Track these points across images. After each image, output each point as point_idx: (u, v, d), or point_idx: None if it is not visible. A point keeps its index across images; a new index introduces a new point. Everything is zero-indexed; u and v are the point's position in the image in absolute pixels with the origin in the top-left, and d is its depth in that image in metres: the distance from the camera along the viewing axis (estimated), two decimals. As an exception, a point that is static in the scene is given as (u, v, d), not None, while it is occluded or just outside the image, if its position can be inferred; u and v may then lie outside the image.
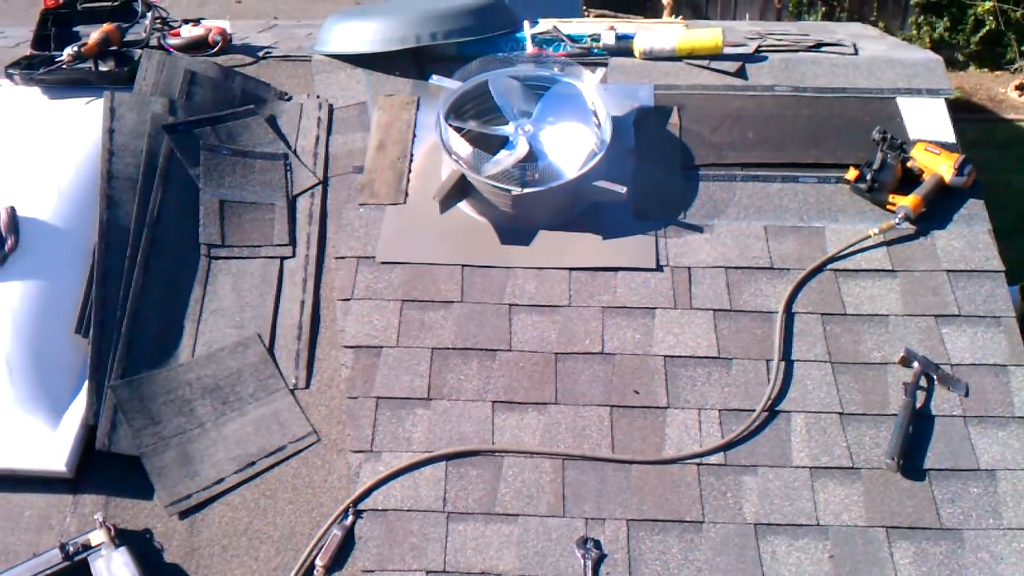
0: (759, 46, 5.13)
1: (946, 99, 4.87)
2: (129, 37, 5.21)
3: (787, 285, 4.18)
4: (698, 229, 4.38)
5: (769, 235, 4.35)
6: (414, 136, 4.77)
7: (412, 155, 4.69)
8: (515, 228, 4.39)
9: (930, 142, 4.54)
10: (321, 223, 4.48)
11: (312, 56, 5.14)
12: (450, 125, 4.43)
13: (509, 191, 4.21)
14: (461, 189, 4.39)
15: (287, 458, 3.82)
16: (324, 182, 4.63)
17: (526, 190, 4.21)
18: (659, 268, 4.24)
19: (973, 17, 11.67)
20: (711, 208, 4.46)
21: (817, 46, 5.18)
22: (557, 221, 4.40)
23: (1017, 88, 11.12)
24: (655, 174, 4.58)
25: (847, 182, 4.48)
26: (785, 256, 4.28)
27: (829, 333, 4.05)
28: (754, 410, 3.83)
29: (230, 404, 3.91)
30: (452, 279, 4.24)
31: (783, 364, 3.96)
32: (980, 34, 11.70)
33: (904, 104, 4.82)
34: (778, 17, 12.12)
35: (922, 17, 11.99)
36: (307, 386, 4.00)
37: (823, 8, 12.17)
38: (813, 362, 3.97)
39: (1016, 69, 11.52)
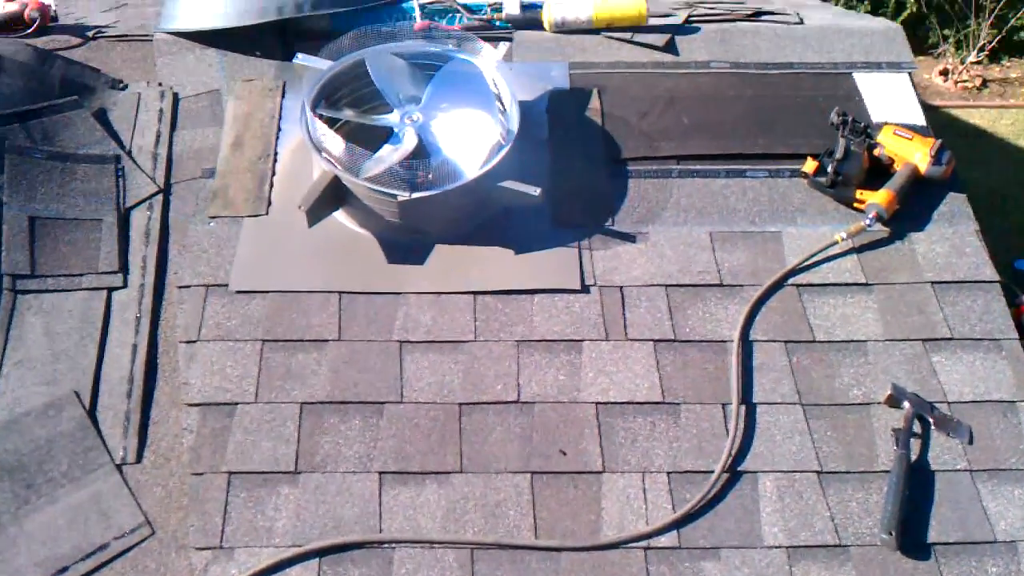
0: (689, 16, 4.34)
1: (910, 73, 4.13)
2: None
3: (741, 306, 3.40)
4: (630, 238, 3.57)
5: (716, 243, 3.57)
6: (279, 130, 3.88)
7: (276, 154, 3.80)
8: (405, 242, 3.53)
9: (899, 125, 3.80)
10: (161, 243, 3.57)
11: (154, 35, 4.19)
12: (317, 115, 3.55)
13: (395, 196, 3.35)
14: (335, 195, 3.51)
15: (111, 560, 2.90)
16: (166, 190, 3.72)
17: (416, 195, 3.35)
18: (585, 289, 3.43)
19: (894, -1, 11.03)
20: (644, 211, 3.66)
21: (756, 14, 4.40)
22: (457, 232, 3.56)
23: (941, 74, 10.52)
24: (575, 171, 3.76)
25: (804, 175, 3.71)
26: (736, 269, 3.50)
27: (796, 365, 3.28)
28: (712, 471, 3.05)
29: (36, 488, 2.99)
30: (326, 311, 3.37)
31: (743, 408, 3.18)
32: (902, 17, 11.04)
33: (862, 80, 4.07)
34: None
35: (843, -1, 11.35)
36: (138, 460, 3.09)
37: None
38: (780, 404, 3.20)
39: (939, 54, 10.91)
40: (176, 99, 3.98)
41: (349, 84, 3.81)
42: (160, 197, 3.69)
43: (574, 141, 3.84)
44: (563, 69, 4.08)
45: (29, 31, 4.16)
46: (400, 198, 3.35)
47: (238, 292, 3.42)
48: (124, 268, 3.49)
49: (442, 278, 3.46)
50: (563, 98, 3.99)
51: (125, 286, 3.45)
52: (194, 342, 3.30)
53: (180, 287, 3.45)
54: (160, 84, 4.03)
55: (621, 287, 3.45)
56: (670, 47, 4.15)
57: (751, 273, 3.49)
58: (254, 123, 3.88)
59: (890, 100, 4.00)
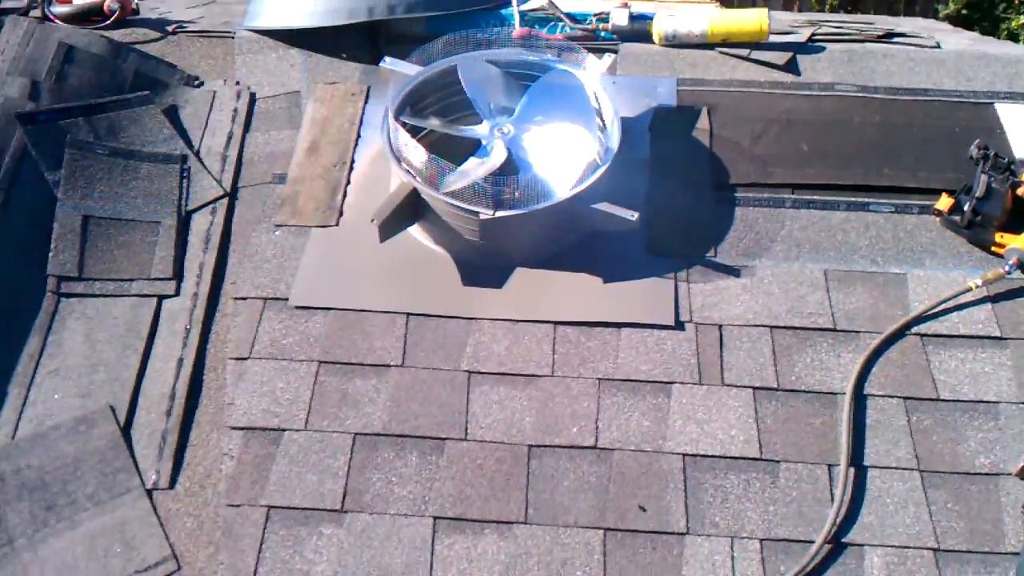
0: (813, 34, 3.95)
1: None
2: (8, 3, 4.06)
3: (856, 354, 3.00)
4: (733, 272, 3.20)
5: (831, 283, 3.17)
6: (358, 137, 3.60)
7: (353, 161, 3.52)
8: (484, 264, 3.21)
9: (1048, 162, 3.36)
10: (221, 250, 3.31)
11: (236, 32, 3.96)
12: (401, 123, 3.26)
13: (477, 214, 3.03)
14: (412, 210, 3.21)
15: (130, 595, 2.62)
16: (232, 194, 3.47)
17: (500, 213, 3.03)
18: (679, 325, 3.06)
19: (1006, 31, 10.44)
20: (751, 243, 3.28)
21: (887, 36, 3.99)
22: (541, 256, 3.22)
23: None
24: (676, 195, 3.40)
25: (937, 213, 3.29)
26: (853, 313, 3.10)
27: (916, 426, 2.86)
28: (812, 541, 2.64)
29: (56, 511, 2.73)
30: (392, 333, 3.06)
31: (852, 471, 2.77)
32: (1015, 52, 10.48)
33: (1005, 112, 3.62)
34: (798, 16, 10.89)
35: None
36: (171, 485, 2.80)
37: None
38: (895, 470, 2.79)
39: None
40: (253, 99, 3.74)
41: (437, 92, 3.52)
42: (225, 201, 3.43)
43: (677, 162, 3.48)
44: (671, 85, 3.73)
45: (107, 23, 3.96)
46: (482, 216, 3.03)
47: (298, 307, 3.13)
48: (178, 275, 3.23)
49: (520, 305, 3.13)
50: (668, 116, 3.63)
51: (177, 294, 3.20)
52: (245, 359, 3.02)
53: (236, 299, 3.18)
54: (238, 83, 3.79)
55: (720, 325, 3.07)
56: (791, 66, 3.77)
57: (870, 318, 3.08)
58: (333, 128, 3.61)
59: (1036, 135, 3.56)
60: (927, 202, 3.35)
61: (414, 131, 3.32)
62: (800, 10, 10.67)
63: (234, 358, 3.03)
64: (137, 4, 4.12)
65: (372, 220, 3.08)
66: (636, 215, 3.07)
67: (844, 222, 3.33)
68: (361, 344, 3.04)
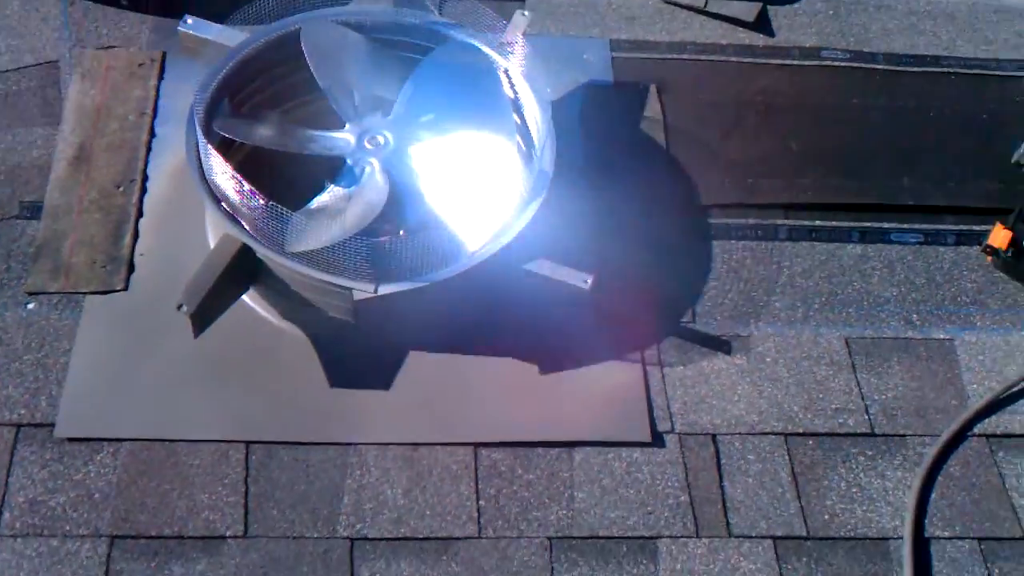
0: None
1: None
2: None
3: (906, 472, 2.10)
4: (721, 345, 2.22)
5: (856, 358, 2.25)
6: (152, 135, 2.41)
7: (146, 178, 2.34)
8: (360, 349, 2.12)
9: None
10: (-59, 340, 2.11)
11: (-40, -34, 2.67)
12: (214, 136, 2.09)
13: (349, 291, 1.92)
14: (242, 277, 2.06)
15: None
16: (-42, 239, 2.25)
17: (385, 288, 1.92)
18: (657, 440, 2.07)
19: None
20: (740, 297, 2.32)
21: (875, -24, 3.02)
22: (446, 334, 2.15)
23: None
24: (628, 226, 2.37)
25: (991, 251, 2.37)
26: (892, 405, 2.20)
27: (1004, 583, 2.00)
28: None
29: None
30: (225, 479, 1.97)
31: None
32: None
33: (1041, 90, 2.74)
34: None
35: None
36: None
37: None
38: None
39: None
40: (-12, 76, 2.49)
41: (268, 72, 2.34)
42: (-53, 252, 2.22)
43: (624, 173, 2.44)
44: (602, 50, 2.67)
45: None
46: (359, 294, 1.92)
47: (70, 440, 1.98)
48: None
49: (421, 416, 2.08)
50: (602, 98, 2.57)
51: None
52: (-11, 536, 1.89)
53: (-29, 426, 2.01)
54: (-37, 50, 2.52)
55: (714, 435, 2.10)
56: (762, 23, 2.75)
57: (916, 412, 2.18)
58: (112, 123, 2.42)
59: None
60: (965, 227, 2.43)
61: (225, 149, 2.13)
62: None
63: (-31, 537, 1.88)
64: None
65: (179, 305, 1.91)
66: (590, 279, 2.01)
67: (860, 260, 2.39)
68: (177, 501, 1.93)
